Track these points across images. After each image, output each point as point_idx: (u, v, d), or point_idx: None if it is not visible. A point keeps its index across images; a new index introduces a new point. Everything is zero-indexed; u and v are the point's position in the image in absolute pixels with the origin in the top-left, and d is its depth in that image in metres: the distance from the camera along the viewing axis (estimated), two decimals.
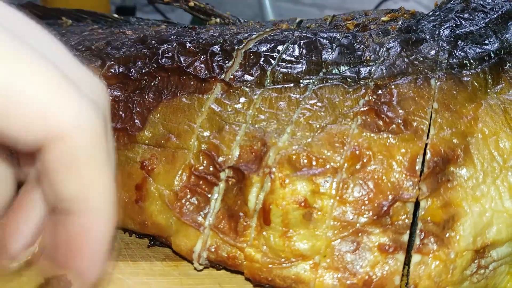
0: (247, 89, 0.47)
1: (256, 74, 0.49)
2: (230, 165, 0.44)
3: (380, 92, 0.44)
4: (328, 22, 0.63)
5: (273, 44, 0.52)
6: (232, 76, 0.49)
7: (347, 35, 0.54)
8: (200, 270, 0.46)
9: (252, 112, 0.46)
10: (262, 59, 0.50)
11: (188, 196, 0.45)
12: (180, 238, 0.45)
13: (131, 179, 0.48)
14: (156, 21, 0.78)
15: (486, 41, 0.46)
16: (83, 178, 0.30)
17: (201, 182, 0.45)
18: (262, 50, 0.51)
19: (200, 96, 0.49)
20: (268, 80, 0.48)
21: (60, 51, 0.31)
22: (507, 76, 0.44)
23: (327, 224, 0.40)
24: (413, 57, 0.47)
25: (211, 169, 0.44)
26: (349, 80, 0.46)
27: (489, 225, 0.38)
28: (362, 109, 0.42)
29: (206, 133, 0.46)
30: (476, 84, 0.43)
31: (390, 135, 0.40)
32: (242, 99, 0.47)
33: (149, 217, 0.48)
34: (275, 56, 0.50)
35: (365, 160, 0.40)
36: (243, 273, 0.43)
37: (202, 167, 0.45)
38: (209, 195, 0.44)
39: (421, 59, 0.46)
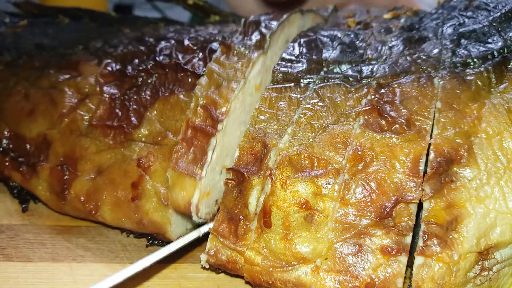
0: (247, 50, 0.47)
1: (255, 38, 0.48)
2: (230, 167, 0.43)
3: (382, 91, 0.43)
4: (329, 10, 0.63)
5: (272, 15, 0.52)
6: (231, 41, 0.49)
7: (348, 33, 0.53)
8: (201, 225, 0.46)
9: (251, 71, 0.46)
10: (262, 25, 0.50)
11: (184, 149, 0.44)
12: (176, 192, 0.44)
13: (127, 177, 0.48)
14: (154, 19, 0.78)
15: (490, 40, 0.46)
16: None
17: (198, 134, 0.44)
18: (262, 19, 0.51)
19: None
20: (268, 44, 0.48)
21: None
22: (511, 75, 0.43)
23: (329, 226, 0.39)
24: (416, 55, 0.46)
25: (208, 121, 0.44)
26: (351, 79, 0.46)
27: (493, 227, 0.38)
28: (364, 108, 0.42)
29: (204, 92, 0.45)
30: (479, 83, 0.42)
31: (393, 135, 0.40)
32: (242, 59, 0.47)
33: (145, 215, 0.47)
34: (274, 24, 0.50)
35: (367, 161, 0.39)
36: (243, 276, 0.42)
37: (199, 119, 0.44)
38: (206, 146, 0.43)
39: (424, 57, 0.45)
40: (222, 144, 0.44)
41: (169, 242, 0.49)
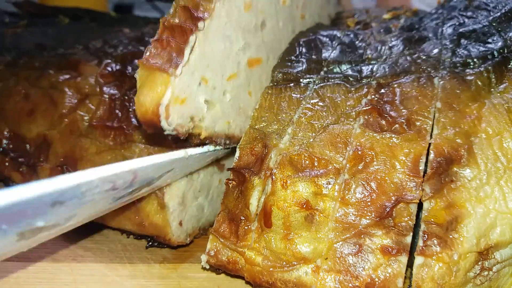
0: None
1: None
2: (231, 168, 0.43)
3: (382, 91, 0.43)
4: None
5: None
6: None
7: (348, 33, 0.53)
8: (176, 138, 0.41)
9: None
10: None
11: (158, 50, 0.39)
12: (145, 93, 0.39)
13: None
14: (154, 19, 0.78)
15: (490, 40, 0.46)
16: None
17: (175, 33, 0.39)
18: None
19: None
20: None
21: None
22: (511, 75, 0.43)
23: (329, 226, 0.39)
24: (416, 55, 0.46)
25: (188, 21, 0.39)
26: (351, 79, 0.46)
27: (493, 227, 0.38)
28: (364, 108, 0.42)
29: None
30: (479, 83, 0.42)
31: (393, 135, 0.40)
32: None
33: (146, 217, 0.47)
34: None
35: (367, 161, 0.39)
36: (243, 277, 0.42)
37: (177, 20, 0.40)
38: (184, 45, 0.39)
39: (424, 57, 0.45)
40: (203, 50, 0.41)
41: (169, 245, 0.49)
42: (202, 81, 0.42)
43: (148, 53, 0.39)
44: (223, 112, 0.45)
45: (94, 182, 0.32)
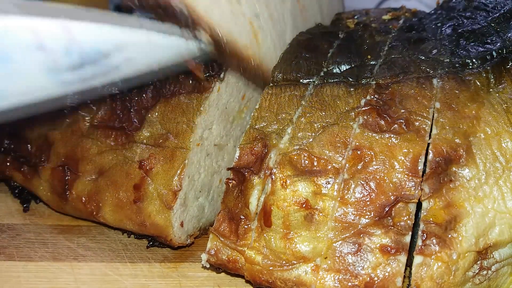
0: None
1: None
2: (231, 167, 0.44)
3: (381, 91, 0.43)
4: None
5: None
6: None
7: (348, 33, 0.53)
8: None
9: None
10: None
11: None
12: None
13: (129, 179, 0.48)
14: None
15: (489, 40, 0.46)
16: None
17: None
18: None
19: (199, 95, 0.48)
20: None
21: None
22: (509, 75, 0.43)
23: (329, 225, 0.39)
24: (415, 56, 0.46)
25: None
26: (350, 79, 0.46)
27: (492, 226, 0.38)
28: (363, 108, 0.42)
29: None
30: (478, 84, 0.42)
31: (392, 135, 0.40)
32: None
33: (148, 217, 0.47)
34: None
35: (366, 160, 0.39)
36: (243, 276, 0.42)
37: None
38: None
39: (423, 58, 0.46)
40: None
41: (169, 246, 0.49)
42: None
43: None
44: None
45: (10, 28, 0.23)
